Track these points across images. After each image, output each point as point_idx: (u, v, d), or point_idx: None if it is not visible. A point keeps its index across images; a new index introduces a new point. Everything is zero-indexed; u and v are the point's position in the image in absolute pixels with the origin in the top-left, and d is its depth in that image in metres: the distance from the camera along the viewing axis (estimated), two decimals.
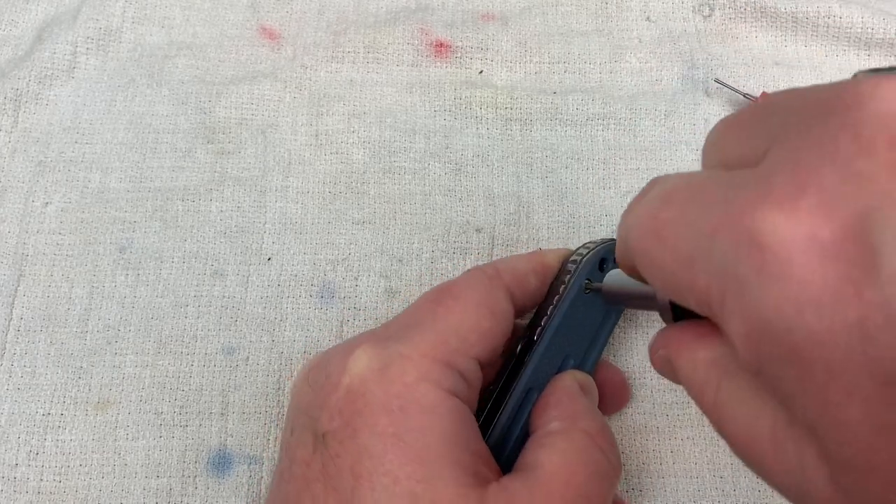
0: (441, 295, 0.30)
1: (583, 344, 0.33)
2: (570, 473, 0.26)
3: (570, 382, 0.31)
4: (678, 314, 0.24)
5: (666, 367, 0.23)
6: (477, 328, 0.29)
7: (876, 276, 0.14)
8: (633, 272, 0.25)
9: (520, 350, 0.31)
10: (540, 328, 0.32)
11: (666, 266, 0.19)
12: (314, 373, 0.29)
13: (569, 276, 0.32)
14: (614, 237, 0.34)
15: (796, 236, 0.15)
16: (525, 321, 0.33)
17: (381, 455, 0.25)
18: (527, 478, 0.26)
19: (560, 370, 0.32)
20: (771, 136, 0.18)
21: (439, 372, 0.27)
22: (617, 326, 0.38)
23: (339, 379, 0.27)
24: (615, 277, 0.31)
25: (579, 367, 0.33)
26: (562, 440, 0.28)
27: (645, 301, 0.29)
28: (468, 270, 0.32)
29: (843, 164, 0.15)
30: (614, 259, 0.33)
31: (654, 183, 0.21)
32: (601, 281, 0.33)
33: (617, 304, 0.32)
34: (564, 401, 0.30)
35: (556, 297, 0.32)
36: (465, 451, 0.26)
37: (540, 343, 0.31)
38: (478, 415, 0.30)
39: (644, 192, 0.21)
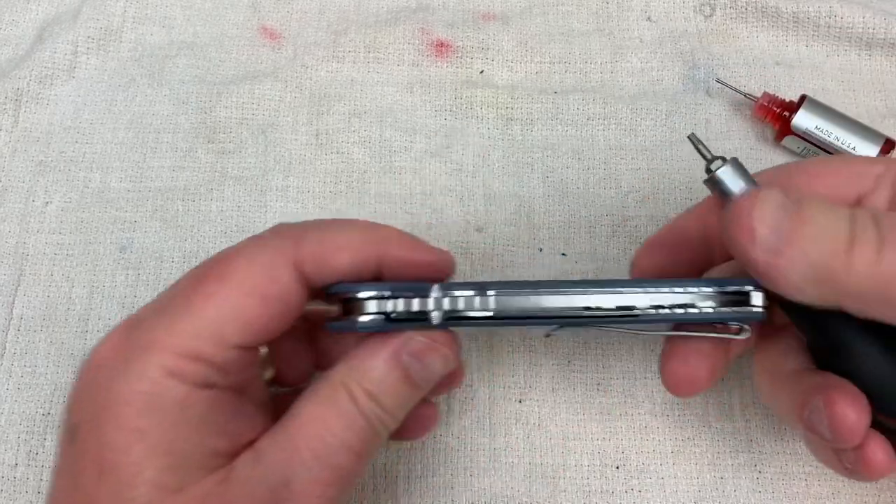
0: (206, 272, 0.27)
1: None
2: (320, 423, 0.26)
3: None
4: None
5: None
6: (239, 318, 0.26)
7: None
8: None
9: None
10: None
11: None
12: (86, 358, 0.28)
13: None
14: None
15: None
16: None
17: (126, 449, 0.24)
18: (276, 431, 0.26)
19: None
20: None
21: (187, 366, 0.25)
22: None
23: (87, 368, 0.26)
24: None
25: None
26: (321, 389, 0.27)
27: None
28: (258, 235, 0.28)
29: None
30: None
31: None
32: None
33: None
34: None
35: None
36: (219, 437, 0.26)
37: None
38: None
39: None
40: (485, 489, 0.36)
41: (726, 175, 0.28)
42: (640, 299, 0.27)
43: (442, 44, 0.45)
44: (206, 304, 0.26)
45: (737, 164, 0.28)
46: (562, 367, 0.38)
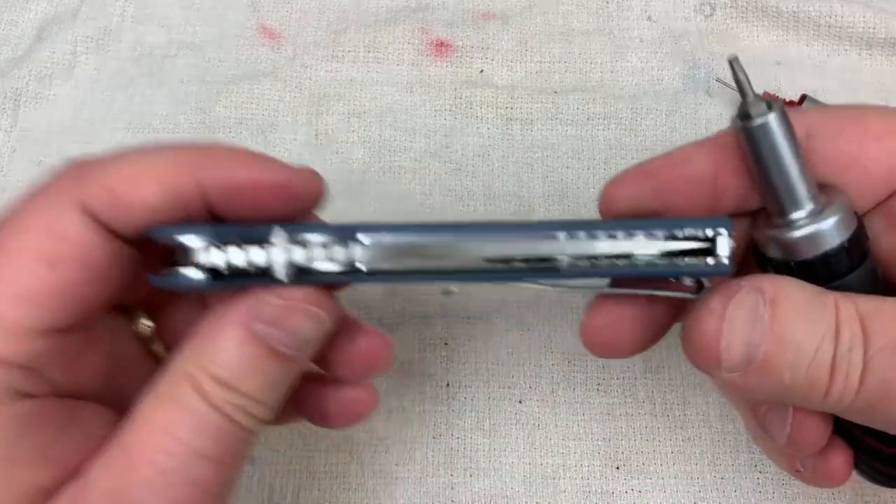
0: None
1: None
2: (162, 430, 0.20)
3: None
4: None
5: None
6: (27, 295, 0.20)
7: None
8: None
9: None
10: None
11: None
12: None
13: None
14: None
15: None
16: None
17: None
18: (110, 448, 0.21)
19: None
20: None
21: None
22: None
23: None
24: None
25: None
26: (160, 384, 0.21)
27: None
28: (41, 182, 0.23)
29: None
30: None
31: None
32: None
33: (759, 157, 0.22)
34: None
35: None
36: (38, 467, 0.20)
37: None
38: None
39: None
40: (485, 490, 0.36)
41: (770, 130, 0.21)
42: (563, 247, 0.20)
43: (441, 43, 0.44)
44: None
45: (783, 118, 0.21)
46: (562, 367, 0.38)
